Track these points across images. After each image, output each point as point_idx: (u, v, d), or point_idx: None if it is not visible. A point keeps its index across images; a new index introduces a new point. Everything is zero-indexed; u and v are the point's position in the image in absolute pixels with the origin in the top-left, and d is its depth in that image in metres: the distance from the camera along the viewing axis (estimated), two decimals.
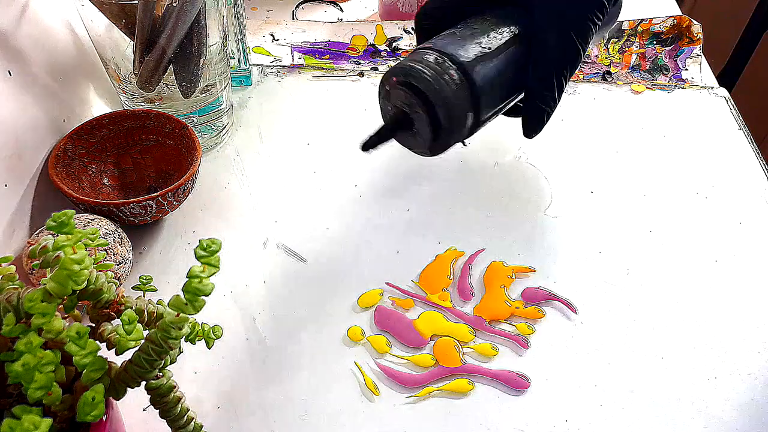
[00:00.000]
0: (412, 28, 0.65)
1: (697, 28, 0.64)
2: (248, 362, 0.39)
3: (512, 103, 0.42)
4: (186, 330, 0.26)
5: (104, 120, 0.47)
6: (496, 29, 0.39)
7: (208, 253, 0.24)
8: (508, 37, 0.39)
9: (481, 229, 0.47)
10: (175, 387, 0.29)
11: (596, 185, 0.51)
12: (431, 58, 0.37)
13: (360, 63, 0.62)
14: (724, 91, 0.61)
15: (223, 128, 0.53)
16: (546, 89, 0.39)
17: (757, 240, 0.47)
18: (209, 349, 0.31)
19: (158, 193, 0.41)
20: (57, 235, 0.24)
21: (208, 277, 0.24)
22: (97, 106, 0.52)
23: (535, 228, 0.47)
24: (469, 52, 0.37)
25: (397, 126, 0.39)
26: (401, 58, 0.50)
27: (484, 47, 0.38)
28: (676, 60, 0.63)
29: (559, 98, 0.40)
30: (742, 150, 0.55)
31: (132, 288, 0.35)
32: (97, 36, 0.45)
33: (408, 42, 0.64)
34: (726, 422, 0.37)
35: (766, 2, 0.98)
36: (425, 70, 0.36)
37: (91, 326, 0.28)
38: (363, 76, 0.61)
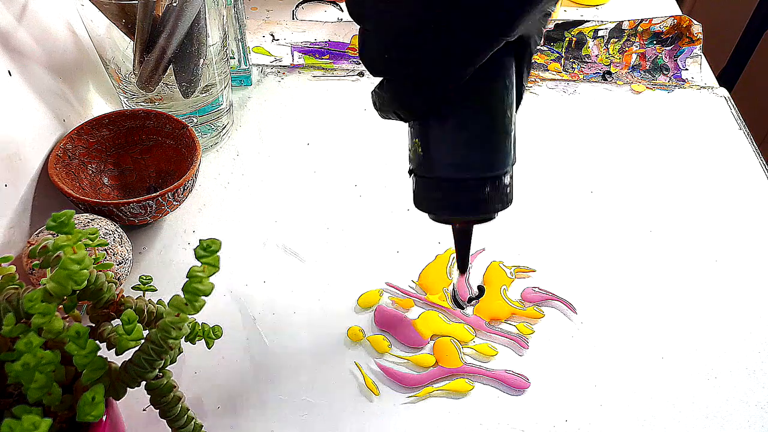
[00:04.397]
0: None
1: (697, 28, 0.64)
2: (248, 362, 0.39)
3: None
4: (186, 330, 0.26)
5: (104, 120, 0.47)
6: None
7: (208, 253, 0.24)
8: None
9: (481, 229, 0.47)
10: (175, 387, 0.29)
11: (596, 185, 0.51)
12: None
13: (360, 63, 0.62)
14: (724, 91, 0.61)
15: (223, 128, 0.53)
16: None
17: (757, 240, 0.47)
18: (209, 349, 0.31)
19: (158, 193, 0.41)
20: (57, 235, 0.24)
21: (208, 277, 0.24)
22: (97, 106, 0.52)
23: (535, 228, 0.47)
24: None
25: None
26: None
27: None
28: (676, 60, 0.63)
29: None
30: (742, 150, 0.55)
31: (132, 288, 0.35)
32: (97, 36, 0.45)
33: None
34: (726, 422, 0.37)
35: (766, 2, 0.98)
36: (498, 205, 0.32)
37: (91, 326, 0.28)
38: (363, 75, 0.61)
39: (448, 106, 0.29)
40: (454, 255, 0.38)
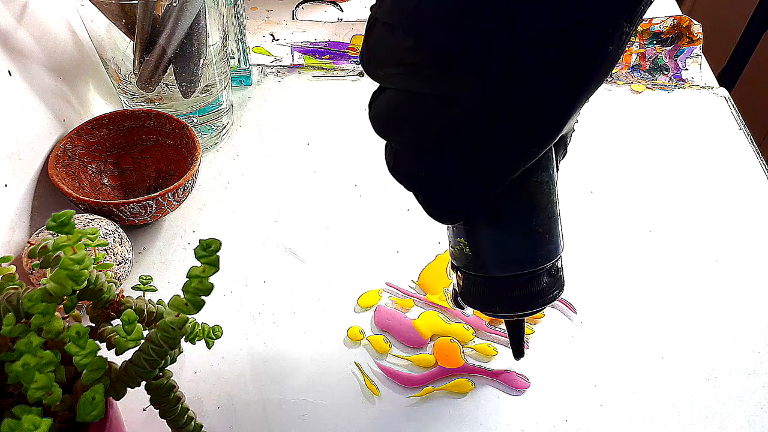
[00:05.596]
0: None
1: (697, 28, 0.64)
2: (248, 362, 0.39)
3: None
4: (186, 330, 0.26)
5: (104, 120, 0.47)
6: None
7: (208, 253, 0.24)
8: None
9: None
10: (175, 387, 0.29)
11: (596, 185, 0.51)
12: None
13: (360, 63, 0.62)
14: (724, 91, 0.61)
15: (223, 128, 0.53)
16: None
17: (757, 240, 0.47)
18: (209, 349, 0.31)
19: (158, 193, 0.41)
20: (57, 235, 0.24)
21: (208, 277, 0.24)
22: (97, 106, 0.52)
23: None
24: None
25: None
26: None
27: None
28: (676, 60, 0.63)
29: None
30: (742, 150, 0.55)
31: (132, 288, 0.35)
32: (97, 36, 0.45)
33: None
34: (726, 422, 0.37)
35: (766, 2, 0.98)
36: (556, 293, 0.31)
37: (91, 326, 0.28)
38: (363, 75, 0.61)
39: (494, 206, 0.28)
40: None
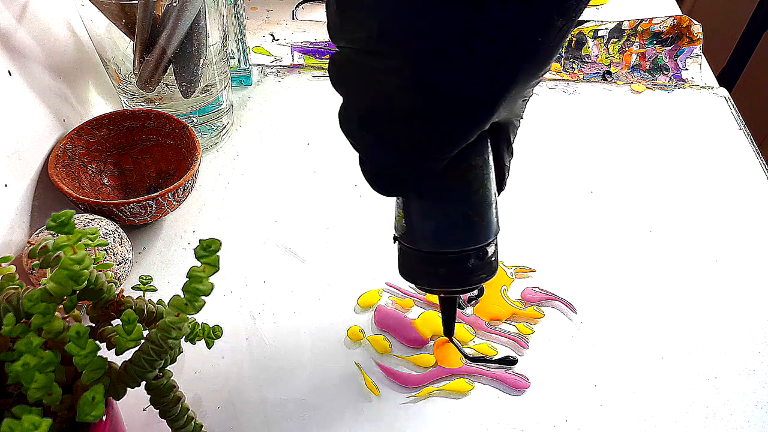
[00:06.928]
0: None
1: (697, 28, 0.64)
2: (248, 362, 0.39)
3: None
4: (186, 330, 0.26)
5: (104, 120, 0.47)
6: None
7: (208, 253, 0.24)
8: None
9: None
10: (175, 387, 0.29)
11: (596, 185, 0.51)
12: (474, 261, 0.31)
13: None
14: (724, 91, 0.61)
15: (223, 128, 0.53)
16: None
17: (757, 240, 0.47)
18: (209, 349, 0.31)
19: (158, 193, 0.41)
20: (57, 235, 0.24)
21: (208, 277, 0.24)
22: (97, 106, 0.52)
23: (535, 228, 0.47)
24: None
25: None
26: None
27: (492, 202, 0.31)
28: (676, 60, 0.63)
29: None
30: (742, 150, 0.55)
31: (132, 288, 0.35)
32: (97, 36, 0.45)
33: None
34: (726, 422, 0.37)
35: (766, 2, 0.98)
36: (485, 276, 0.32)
37: (91, 326, 0.28)
38: None
39: (426, 183, 0.29)
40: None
